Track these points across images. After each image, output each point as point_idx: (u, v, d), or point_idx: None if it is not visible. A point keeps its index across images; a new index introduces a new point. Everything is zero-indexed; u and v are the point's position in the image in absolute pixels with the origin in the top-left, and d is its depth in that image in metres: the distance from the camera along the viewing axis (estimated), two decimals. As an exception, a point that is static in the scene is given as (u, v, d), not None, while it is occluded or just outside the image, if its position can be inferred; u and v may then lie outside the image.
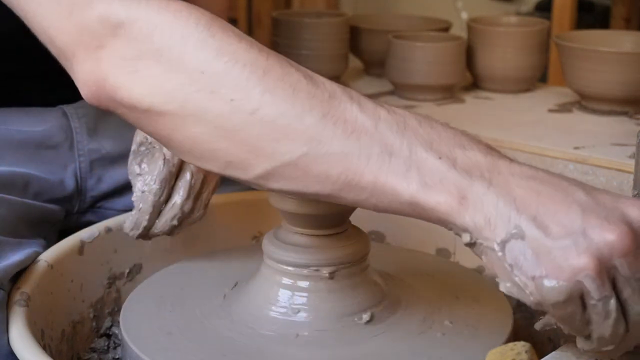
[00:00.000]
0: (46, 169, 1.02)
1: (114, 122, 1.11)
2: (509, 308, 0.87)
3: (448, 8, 2.95)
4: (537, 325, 0.67)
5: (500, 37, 1.55)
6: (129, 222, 0.90)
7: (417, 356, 0.78)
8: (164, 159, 0.89)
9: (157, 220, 0.90)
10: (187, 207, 0.90)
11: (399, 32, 1.56)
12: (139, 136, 0.92)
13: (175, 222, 0.90)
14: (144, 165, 0.90)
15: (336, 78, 1.62)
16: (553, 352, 0.70)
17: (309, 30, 1.57)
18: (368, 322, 0.81)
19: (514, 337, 0.83)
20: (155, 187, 0.89)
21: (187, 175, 0.90)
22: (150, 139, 0.90)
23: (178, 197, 0.90)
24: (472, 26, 1.58)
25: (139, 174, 0.90)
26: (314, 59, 1.56)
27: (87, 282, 0.94)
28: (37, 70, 1.02)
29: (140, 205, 0.89)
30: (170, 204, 0.90)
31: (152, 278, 0.94)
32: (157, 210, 0.90)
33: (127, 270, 0.99)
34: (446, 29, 1.68)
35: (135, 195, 0.90)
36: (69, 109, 1.06)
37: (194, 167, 0.90)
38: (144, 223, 0.89)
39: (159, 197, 0.89)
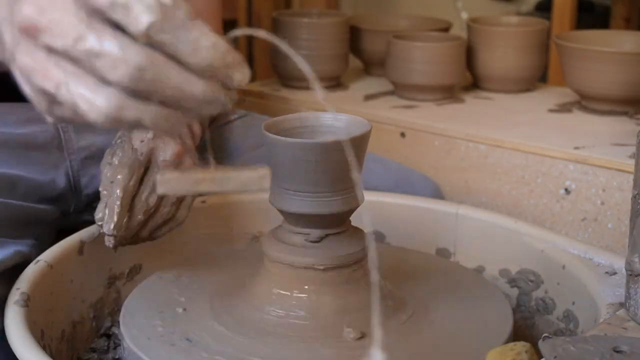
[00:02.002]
0: (35, 169, 1.01)
1: None
2: (509, 308, 0.87)
3: (448, 8, 2.95)
4: None
5: (500, 37, 1.54)
6: (101, 213, 0.89)
7: (417, 356, 0.78)
8: (132, 148, 0.90)
9: (127, 219, 0.89)
10: (151, 201, 0.90)
11: (399, 32, 1.56)
12: (120, 130, 0.93)
13: (140, 217, 0.90)
14: (115, 157, 0.91)
15: (336, 78, 1.62)
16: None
17: (309, 30, 1.57)
18: (359, 338, 0.80)
19: (514, 337, 0.83)
20: (124, 172, 0.89)
21: (154, 169, 0.91)
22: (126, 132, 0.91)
23: (145, 191, 0.90)
24: (472, 26, 1.58)
25: (109, 163, 0.91)
26: (314, 59, 1.56)
27: (87, 282, 0.94)
28: None
29: (112, 193, 0.89)
30: (138, 198, 0.90)
31: (152, 278, 0.94)
32: (128, 197, 0.90)
33: (127, 270, 0.99)
34: (446, 29, 1.67)
35: (103, 184, 0.90)
36: None
37: (161, 163, 0.91)
38: (117, 210, 0.88)
39: (128, 182, 0.89)
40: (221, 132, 1.18)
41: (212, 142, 1.14)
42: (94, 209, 0.93)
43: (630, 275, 0.77)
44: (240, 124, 1.20)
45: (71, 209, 1.05)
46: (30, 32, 0.55)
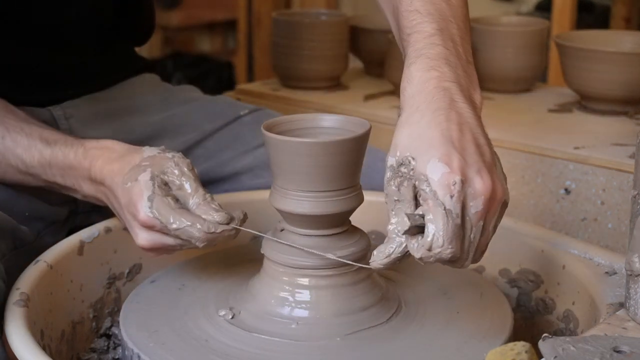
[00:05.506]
0: None
1: (102, 117, 1.10)
2: (509, 308, 0.87)
3: (448, 8, 2.95)
4: None
5: (500, 37, 1.55)
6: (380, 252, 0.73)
7: (417, 356, 0.78)
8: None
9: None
10: None
11: (399, 33, 1.55)
12: (399, 151, 0.73)
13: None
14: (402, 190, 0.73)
15: (336, 78, 1.62)
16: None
17: (309, 30, 1.57)
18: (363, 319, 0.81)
19: (514, 337, 0.83)
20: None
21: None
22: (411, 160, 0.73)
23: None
24: (472, 26, 1.58)
25: (398, 200, 0.72)
26: (314, 59, 1.56)
27: (87, 283, 0.94)
28: (26, 71, 1.03)
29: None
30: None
31: (152, 278, 0.94)
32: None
33: (127, 270, 0.99)
34: (446, 29, 1.67)
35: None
36: (56, 110, 1.06)
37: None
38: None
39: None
40: (231, 128, 1.17)
41: (222, 139, 1.15)
42: (100, 208, 0.93)
43: (630, 275, 0.76)
44: (250, 120, 1.19)
45: (79, 209, 1.06)
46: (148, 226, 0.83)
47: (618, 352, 0.66)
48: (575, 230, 1.24)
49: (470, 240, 0.71)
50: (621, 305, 0.81)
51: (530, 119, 1.41)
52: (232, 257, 0.98)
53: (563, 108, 1.47)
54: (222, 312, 0.84)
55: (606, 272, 0.89)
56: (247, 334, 0.80)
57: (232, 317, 0.83)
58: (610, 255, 0.91)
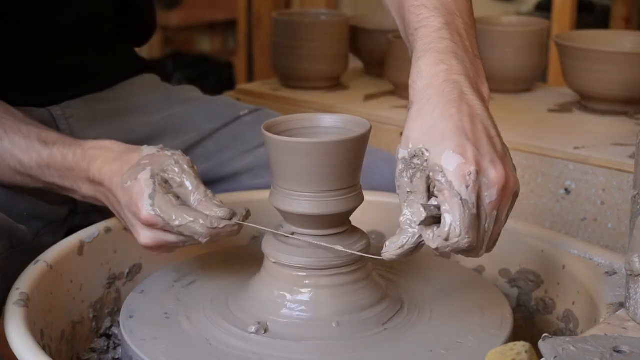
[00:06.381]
0: None
1: (101, 117, 1.10)
2: (509, 308, 0.87)
3: (448, 8, 2.95)
4: None
5: (500, 37, 1.55)
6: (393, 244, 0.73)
7: (417, 356, 0.78)
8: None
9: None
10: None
11: (399, 32, 1.56)
12: (411, 143, 0.75)
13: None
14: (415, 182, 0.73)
15: (336, 78, 1.62)
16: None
17: (309, 30, 1.57)
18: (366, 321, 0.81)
19: (514, 337, 0.83)
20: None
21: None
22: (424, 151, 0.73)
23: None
24: (472, 26, 1.58)
25: (410, 192, 0.73)
26: (314, 59, 1.56)
27: (87, 283, 0.94)
28: (26, 71, 1.03)
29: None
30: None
31: (152, 278, 0.94)
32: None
33: (127, 270, 0.99)
34: (446, 29, 1.67)
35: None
36: (55, 110, 1.06)
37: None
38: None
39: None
40: (231, 128, 1.17)
41: (222, 139, 1.15)
42: (100, 208, 0.93)
43: (630, 275, 0.76)
44: (250, 120, 1.19)
45: (79, 208, 1.06)
46: (150, 224, 0.83)
47: (618, 352, 0.66)
48: (575, 230, 1.24)
49: (485, 230, 0.72)
50: (621, 305, 0.81)
51: (530, 119, 1.41)
52: (233, 256, 0.98)
53: (563, 108, 1.47)
54: (252, 329, 0.81)
55: (606, 272, 0.89)
56: (297, 344, 0.79)
57: (266, 332, 0.81)
58: (610, 255, 0.91)
